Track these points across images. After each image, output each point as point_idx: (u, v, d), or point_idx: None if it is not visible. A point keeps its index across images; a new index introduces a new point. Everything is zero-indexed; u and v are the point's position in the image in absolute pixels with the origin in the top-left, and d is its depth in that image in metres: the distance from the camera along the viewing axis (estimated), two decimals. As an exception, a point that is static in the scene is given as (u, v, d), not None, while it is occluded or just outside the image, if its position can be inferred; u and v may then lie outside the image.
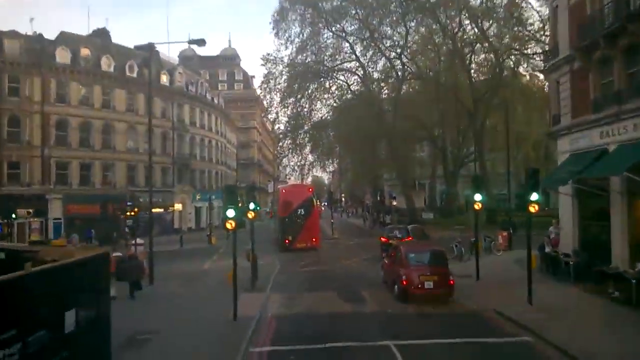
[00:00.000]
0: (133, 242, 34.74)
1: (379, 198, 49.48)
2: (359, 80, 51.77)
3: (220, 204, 64.43)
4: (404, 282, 16.51)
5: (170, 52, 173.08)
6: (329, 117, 53.29)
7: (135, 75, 50.64)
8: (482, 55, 48.24)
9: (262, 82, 48.51)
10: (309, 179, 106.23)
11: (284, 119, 51.06)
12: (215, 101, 68.18)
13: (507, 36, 43.26)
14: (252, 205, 18.91)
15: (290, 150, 51.95)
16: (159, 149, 53.29)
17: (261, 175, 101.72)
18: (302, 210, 35.13)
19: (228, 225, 15.04)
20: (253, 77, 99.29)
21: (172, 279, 22.98)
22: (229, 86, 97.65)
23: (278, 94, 48.07)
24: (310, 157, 54.12)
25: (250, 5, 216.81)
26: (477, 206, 18.83)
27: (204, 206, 57.46)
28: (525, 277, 15.06)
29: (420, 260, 17.20)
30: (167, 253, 33.52)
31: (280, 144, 55.33)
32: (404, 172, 51.88)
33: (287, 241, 34.27)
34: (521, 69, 48.25)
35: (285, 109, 49.04)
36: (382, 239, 28.39)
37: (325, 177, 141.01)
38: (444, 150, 56.01)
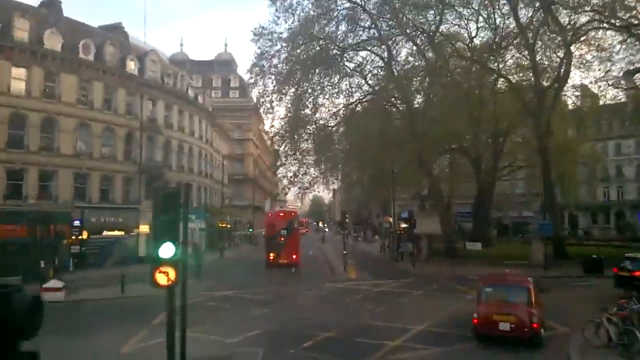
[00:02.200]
0: (45, 285, 23.21)
1: (407, 222, 37.50)
2: (378, 70, 40.45)
3: (203, 224, 52.22)
4: (474, 321, 13.76)
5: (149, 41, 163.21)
6: (337, 118, 41.61)
7: (91, 58, 39.30)
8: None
9: (253, 65, 36.77)
10: (310, 196, 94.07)
11: (280, 110, 39.25)
12: (200, 100, 56.68)
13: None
14: (169, 249, 6.98)
15: (289, 157, 39.98)
16: (121, 154, 41.72)
17: (257, 192, 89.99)
18: (285, 231, 37.71)
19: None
20: (250, 84, 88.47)
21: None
22: (224, 94, 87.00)
23: (273, 78, 36.31)
24: (312, 171, 42.48)
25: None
26: None
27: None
28: None
29: (497, 295, 14.31)
30: (92, 307, 21.47)
31: (278, 148, 42.93)
32: (436, 188, 40.23)
33: (270, 258, 36.83)
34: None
35: (283, 98, 37.08)
36: (614, 270, 22.60)
37: (326, 197, 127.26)
38: (478, 162, 44.74)
